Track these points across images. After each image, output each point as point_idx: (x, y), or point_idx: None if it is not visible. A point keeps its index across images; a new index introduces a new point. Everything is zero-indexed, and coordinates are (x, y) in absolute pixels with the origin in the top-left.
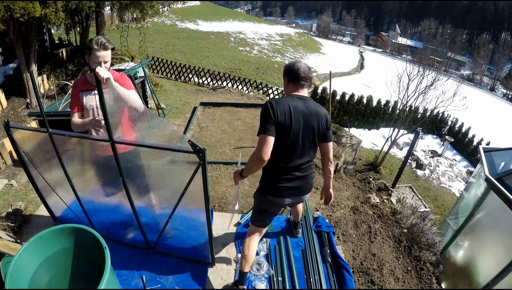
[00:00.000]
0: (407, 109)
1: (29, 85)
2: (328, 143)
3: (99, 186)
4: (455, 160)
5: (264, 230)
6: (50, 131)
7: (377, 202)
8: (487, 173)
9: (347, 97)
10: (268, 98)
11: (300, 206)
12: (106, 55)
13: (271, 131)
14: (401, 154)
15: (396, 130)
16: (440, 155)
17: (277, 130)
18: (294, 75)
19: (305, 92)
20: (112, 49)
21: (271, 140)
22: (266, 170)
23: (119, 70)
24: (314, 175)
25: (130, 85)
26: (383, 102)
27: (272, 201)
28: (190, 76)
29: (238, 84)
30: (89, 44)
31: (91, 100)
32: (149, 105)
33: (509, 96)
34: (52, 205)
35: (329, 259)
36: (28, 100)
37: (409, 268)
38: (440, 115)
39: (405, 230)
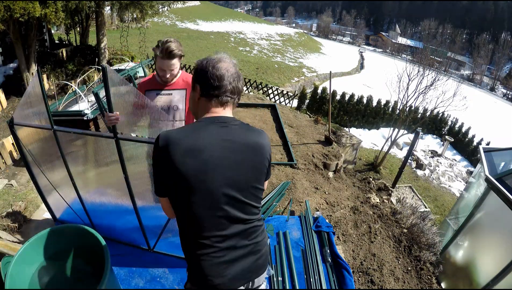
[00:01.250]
0: (407, 109)
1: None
2: (265, 182)
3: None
4: (455, 160)
5: None
6: (54, 128)
7: (377, 202)
8: (487, 173)
9: (347, 97)
10: (268, 98)
11: None
12: (172, 64)
13: (162, 189)
14: (401, 154)
15: (396, 130)
16: (440, 155)
17: (180, 187)
18: (211, 85)
19: (228, 113)
20: (181, 57)
21: (165, 202)
22: (185, 248)
23: (119, 70)
24: (266, 242)
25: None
26: (383, 102)
27: None
28: None
29: None
30: (155, 48)
31: (155, 101)
32: None
33: (509, 96)
34: (52, 204)
35: (329, 259)
36: None
37: (409, 268)
38: (440, 115)
39: (405, 230)
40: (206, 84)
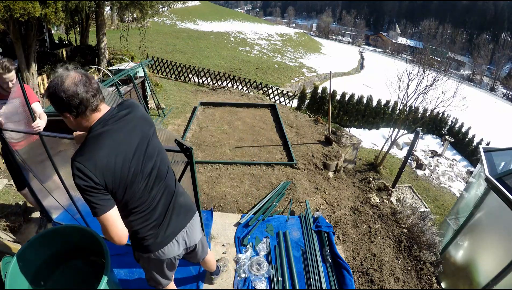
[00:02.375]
0: (407, 109)
1: (29, 85)
2: None
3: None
4: (455, 160)
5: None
6: (40, 133)
7: (377, 202)
8: (487, 173)
9: (347, 97)
10: (268, 98)
11: (205, 252)
12: (11, 76)
13: (106, 204)
14: (401, 154)
15: (396, 130)
16: (440, 155)
17: (116, 192)
18: (74, 106)
19: (104, 108)
20: (15, 69)
21: (112, 214)
22: (139, 222)
23: (119, 70)
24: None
25: (35, 97)
26: (383, 102)
27: (160, 258)
28: (190, 76)
29: (238, 84)
30: None
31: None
32: (149, 105)
33: (509, 96)
34: (47, 207)
35: (329, 259)
36: None
37: (409, 268)
38: (440, 115)
39: (405, 230)
40: (71, 108)
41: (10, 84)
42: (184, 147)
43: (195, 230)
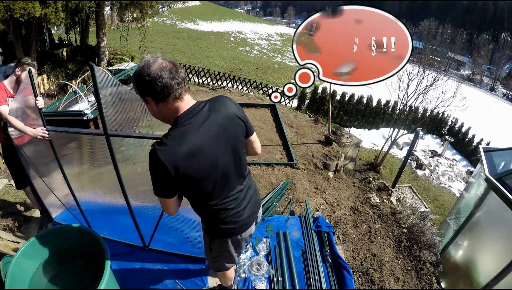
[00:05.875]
0: (407, 109)
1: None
2: (251, 137)
3: (96, 185)
4: (455, 160)
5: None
6: (47, 128)
7: (377, 202)
8: (487, 173)
9: (347, 97)
10: (268, 98)
11: None
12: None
13: (171, 192)
14: (401, 154)
15: (396, 130)
16: (440, 155)
17: (193, 183)
18: (157, 90)
19: (189, 100)
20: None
21: (171, 201)
22: (202, 214)
23: (119, 70)
24: (256, 187)
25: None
26: (383, 102)
27: (236, 240)
28: (190, 76)
29: (238, 84)
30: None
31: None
32: None
33: (509, 96)
34: (47, 206)
35: (329, 259)
36: None
37: (409, 268)
38: (440, 115)
39: (405, 230)
40: (154, 92)
41: (22, 84)
42: None
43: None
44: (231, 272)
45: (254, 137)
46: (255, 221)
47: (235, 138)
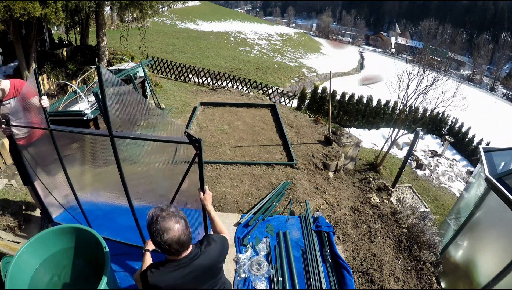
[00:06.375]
0: (407, 109)
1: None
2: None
3: (98, 185)
4: (455, 160)
5: None
6: (51, 127)
7: (377, 202)
8: (487, 173)
9: (347, 97)
10: (268, 98)
11: None
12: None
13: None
14: (401, 154)
15: (396, 130)
16: (440, 155)
17: None
18: (164, 249)
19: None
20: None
21: None
22: None
23: (119, 70)
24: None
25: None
26: (383, 102)
27: None
28: (190, 76)
29: (238, 84)
30: None
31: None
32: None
33: (509, 96)
34: (48, 206)
35: (329, 259)
36: None
37: (409, 268)
38: (440, 115)
39: (405, 230)
40: (162, 248)
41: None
42: (193, 138)
43: None
44: None
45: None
46: None
47: (215, 278)
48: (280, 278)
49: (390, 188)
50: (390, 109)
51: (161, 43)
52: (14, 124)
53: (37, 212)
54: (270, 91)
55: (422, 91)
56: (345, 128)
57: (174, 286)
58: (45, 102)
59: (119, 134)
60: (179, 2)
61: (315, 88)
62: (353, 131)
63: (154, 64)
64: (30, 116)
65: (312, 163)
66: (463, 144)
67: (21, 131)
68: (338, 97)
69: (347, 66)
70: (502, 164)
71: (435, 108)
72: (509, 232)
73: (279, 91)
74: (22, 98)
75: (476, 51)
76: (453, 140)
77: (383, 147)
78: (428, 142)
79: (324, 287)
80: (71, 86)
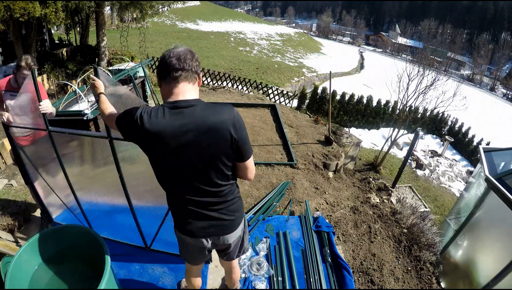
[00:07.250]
0: (407, 109)
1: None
2: (246, 162)
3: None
4: (455, 160)
5: (199, 267)
6: (49, 129)
7: (377, 202)
8: (487, 173)
9: (347, 97)
10: (268, 98)
11: (232, 265)
12: (28, 74)
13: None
14: (401, 154)
15: (396, 130)
16: (440, 155)
17: (149, 149)
18: (162, 69)
19: (185, 90)
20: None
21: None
22: (168, 199)
23: (119, 70)
24: (235, 208)
25: (45, 94)
26: (383, 102)
27: (184, 240)
28: None
29: (238, 84)
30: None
31: (10, 100)
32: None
33: (509, 96)
34: (48, 206)
35: (329, 259)
36: None
37: (409, 268)
38: (440, 115)
39: (405, 230)
40: (159, 69)
41: (25, 81)
42: None
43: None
44: (192, 275)
45: (248, 163)
46: (211, 240)
47: (213, 147)
48: (280, 278)
49: (390, 188)
50: (390, 109)
51: (161, 43)
52: (14, 125)
53: (37, 212)
54: (270, 91)
55: (422, 91)
56: (345, 128)
57: (160, 131)
58: (44, 108)
59: (118, 136)
60: (179, 2)
61: (315, 88)
62: (353, 131)
63: (154, 64)
64: (31, 116)
65: (312, 163)
66: (463, 144)
67: (23, 130)
68: (338, 97)
69: (347, 66)
70: (502, 164)
71: (435, 108)
72: (509, 232)
73: (279, 91)
74: (31, 99)
75: (476, 51)
76: (453, 140)
77: (383, 147)
78: (428, 142)
79: (324, 287)
80: (71, 86)
